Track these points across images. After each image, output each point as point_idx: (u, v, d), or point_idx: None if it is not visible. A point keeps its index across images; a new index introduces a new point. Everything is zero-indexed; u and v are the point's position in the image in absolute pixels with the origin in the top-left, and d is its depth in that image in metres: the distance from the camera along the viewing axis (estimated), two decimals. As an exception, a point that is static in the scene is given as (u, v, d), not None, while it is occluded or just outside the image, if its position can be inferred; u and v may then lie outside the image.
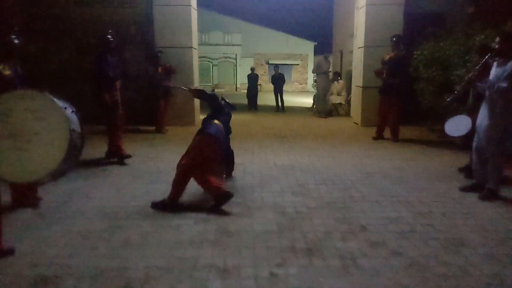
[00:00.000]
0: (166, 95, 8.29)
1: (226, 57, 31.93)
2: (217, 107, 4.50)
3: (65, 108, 2.95)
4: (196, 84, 9.33)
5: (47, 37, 8.57)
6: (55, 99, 2.94)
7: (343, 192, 4.56)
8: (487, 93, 4.13)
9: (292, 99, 19.11)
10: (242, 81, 27.91)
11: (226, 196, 3.88)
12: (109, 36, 5.67)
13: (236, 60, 31.67)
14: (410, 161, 6.01)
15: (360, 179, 5.05)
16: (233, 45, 31.56)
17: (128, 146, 6.73)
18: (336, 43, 15.21)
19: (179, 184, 3.94)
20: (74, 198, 4.24)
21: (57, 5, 8.77)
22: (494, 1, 7.98)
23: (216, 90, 29.82)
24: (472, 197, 4.33)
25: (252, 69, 15.18)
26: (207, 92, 4.64)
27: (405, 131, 8.08)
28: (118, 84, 5.73)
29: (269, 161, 5.98)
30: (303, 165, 5.72)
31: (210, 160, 4.06)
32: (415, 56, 7.80)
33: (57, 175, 2.98)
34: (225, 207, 3.94)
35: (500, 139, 4.12)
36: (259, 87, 29.18)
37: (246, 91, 14.86)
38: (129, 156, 5.96)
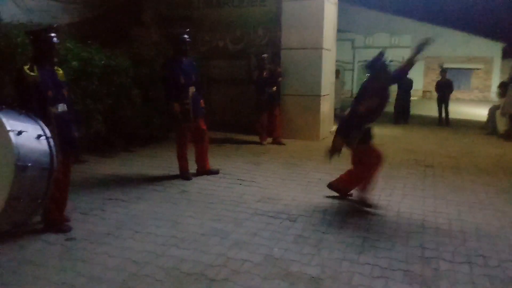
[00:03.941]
0: (272, 103, 7.18)
1: (392, 61, 28.99)
2: None
3: (20, 132, 2.07)
4: (326, 91, 7.93)
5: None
6: (5, 119, 2.06)
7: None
8: None
9: (466, 110, 15.76)
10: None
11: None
12: (185, 36, 4.84)
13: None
14: None
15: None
16: (400, 47, 28.42)
17: (221, 160, 5.87)
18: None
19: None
20: (119, 232, 3.44)
21: (188, 7, 8.54)
22: None
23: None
24: None
25: None
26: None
27: None
28: (191, 90, 4.86)
29: (392, 206, 4.21)
30: (442, 221, 3.80)
31: None
32: None
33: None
34: None
35: None
36: (428, 94, 25.69)
37: (412, 98, 12.21)
38: (213, 172, 5.17)
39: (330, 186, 4.42)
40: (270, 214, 3.89)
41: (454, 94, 11.93)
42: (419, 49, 3.83)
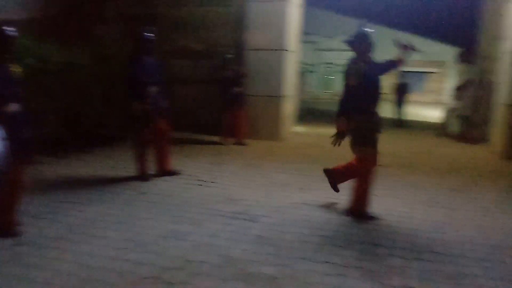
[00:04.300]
0: (235, 103, 7.20)
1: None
2: None
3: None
4: (289, 92, 8.03)
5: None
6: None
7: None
8: None
9: (421, 112, 16.37)
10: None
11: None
12: (149, 34, 4.78)
13: (362, 67, 29.35)
14: None
15: (481, 257, 3.13)
16: (362, 50, 29.27)
17: (182, 161, 5.79)
18: (482, 48, 12.20)
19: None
20: (72, 236, 3.32)
21: (152, 5, 8.39)
22: None
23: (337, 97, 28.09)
24: None
25: None
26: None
27: None
28: (154, 90, 4.79)
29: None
30: (396, 218, 3.94)
31: None
32: None
33: None
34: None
35: None
36: (385, 96, 26.52)
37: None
38: (174, 173, 5.11)
39: (326, 171, 4.24)
40: (230, 215, 3.89)
41: (410, 97, 12.36)
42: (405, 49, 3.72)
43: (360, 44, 3.72)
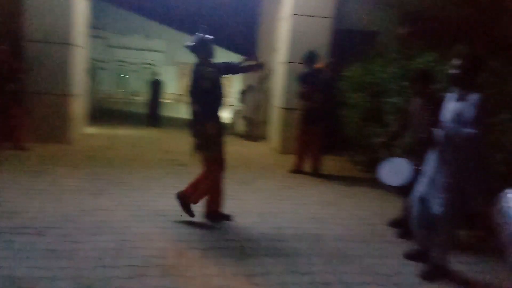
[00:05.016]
0: (11, 102, 6.29)
1: (148, 64, 29.77)
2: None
3: None
4: (77, 91, 7.44)
5: None
6: None
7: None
8: (442, 138, 2.94)
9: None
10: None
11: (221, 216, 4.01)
12: None
13: (158, 68, 29.63)
14: (331, 207, 4.77)
15: (268, 242, 3.64)
16: (155, 51, 29.64)
17: None
18: (261, 58, 14.02)
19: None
20: None
21: None
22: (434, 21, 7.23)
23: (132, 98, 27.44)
24: (412, 276, 3.13)
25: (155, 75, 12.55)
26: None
27: (328, 163, 6.88)
28: None
29: (150, 205, 4.33)
30: (196, 214, 4.17)
31: None
32: (342, 78, 6.76)
33: None
34: None
35: (458, 199, 2.98)
36: (181, 98, 27.45)
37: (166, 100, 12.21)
38: None
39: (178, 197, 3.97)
40: (10, 231, 3.37)
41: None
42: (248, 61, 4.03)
43: (202, 49, 3.78)
